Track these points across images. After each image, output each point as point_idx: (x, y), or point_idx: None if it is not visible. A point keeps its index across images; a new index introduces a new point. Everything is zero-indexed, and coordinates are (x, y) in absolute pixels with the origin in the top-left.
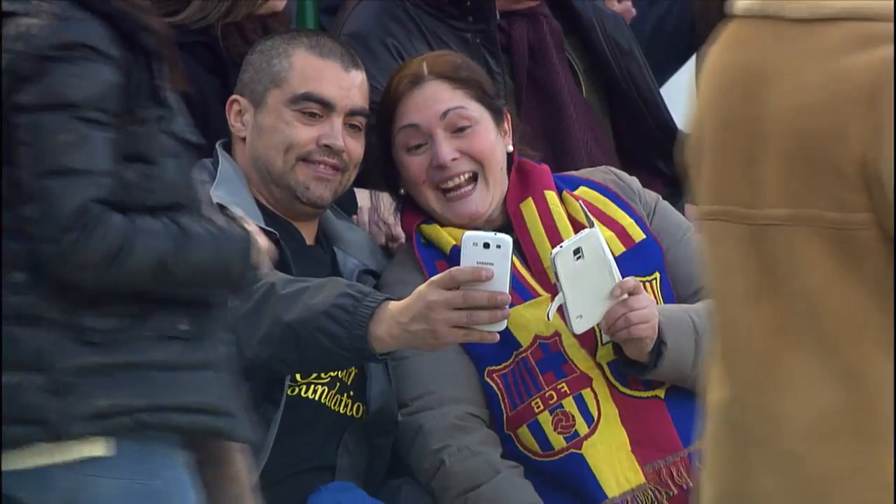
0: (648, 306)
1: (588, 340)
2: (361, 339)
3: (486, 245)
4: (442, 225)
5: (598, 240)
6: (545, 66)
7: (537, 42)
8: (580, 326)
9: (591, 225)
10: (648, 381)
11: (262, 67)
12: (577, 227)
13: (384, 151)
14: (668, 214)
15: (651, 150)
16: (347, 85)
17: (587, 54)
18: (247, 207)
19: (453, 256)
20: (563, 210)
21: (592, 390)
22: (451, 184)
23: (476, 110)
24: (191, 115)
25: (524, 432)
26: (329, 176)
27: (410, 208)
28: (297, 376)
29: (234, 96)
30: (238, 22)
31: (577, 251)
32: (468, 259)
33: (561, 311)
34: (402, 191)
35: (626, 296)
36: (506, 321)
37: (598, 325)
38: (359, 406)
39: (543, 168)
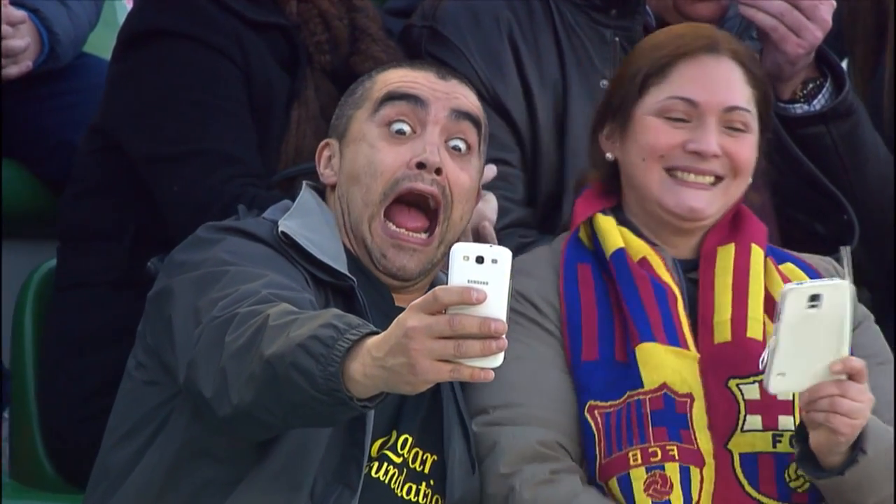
0: (864, 403)
1: (724, 421)
2: (335, 378)
3: (480, 259)
4: (627, 224)
5: (846, 298)
6: None
7: None
8: (778, 386)
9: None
10: (790, 489)
11: (345, 102)
12: (769, 304)
13: (615, 98)
14: (872, 335)
15: (805, 211)
16: (444, 89)
17: None
18: (327, 245)
19: (600, 260)
20: (763, 273)
21: (701, 474)
22: (690, 178)
23: (755, 119)
24: (252, 113)
25: (613, 485)
26: (411, 243)
27: (597, 192)
28: (373, 450)
29: (324, 140)
30: (319, 6)
31: (814, 297)
32: (457, 277)
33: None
34: (610, 155)
35: (844, 377)
36: (501, 355)
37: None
38: (437, 499)
39: (762, 227)
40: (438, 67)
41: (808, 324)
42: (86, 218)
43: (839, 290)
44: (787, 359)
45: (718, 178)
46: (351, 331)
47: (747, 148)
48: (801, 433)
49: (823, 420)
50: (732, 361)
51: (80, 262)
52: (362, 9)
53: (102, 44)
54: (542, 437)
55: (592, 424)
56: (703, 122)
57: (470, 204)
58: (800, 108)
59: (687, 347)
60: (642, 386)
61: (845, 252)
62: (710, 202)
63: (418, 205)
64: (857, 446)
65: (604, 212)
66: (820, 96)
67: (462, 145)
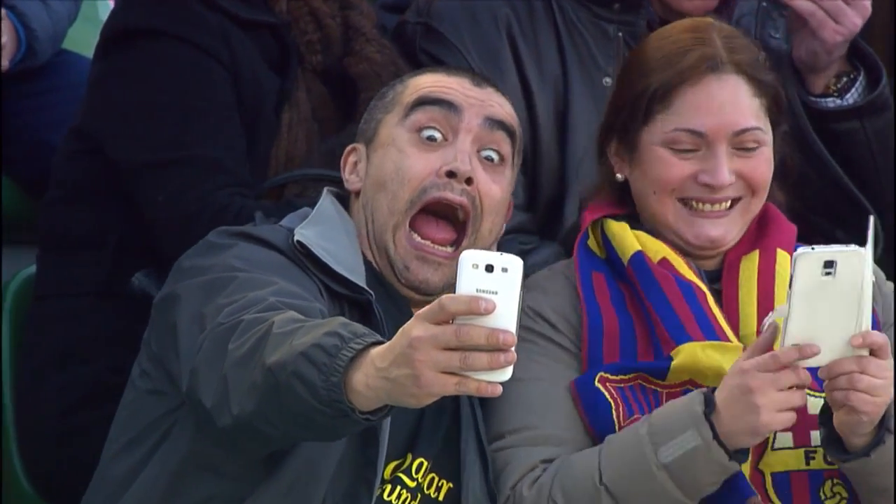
0: (886, 379)
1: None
2: (337, 389)
3: (490, 268)
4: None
5: (863, 265)
6: None
7: None
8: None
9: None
10: None
11: (375, 105)
12: None
13: (620, 116)
14: (890, 302)
15: (825, 216)
16: (478, 96)
17: None
18: (345, 256)
19: (614, 267)
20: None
21: None
22: (706, 207)
23: (767, 130)
24: (240, 115)
25: None
26: (437, 256)
27: (605, 203)
28: (386, 472)
29: (351, 145)
30: (310, 4)
31: (829, 264)
32: (466, 285)
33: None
34: (620, 176)
35: (866, 352)
36: (510, 369)
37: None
38: None
39: (791, 228)
40: (474, 74)
41: (822, 292)
42: (67, 224)
43: (855, 258)
44: (801, 329)
45: (735, 200)
46: (356, 340)
47: (762, 164)
48: (825, 415)
49: (843, 398)
50: None
51: (61, 270)
52: (356, 6)
53: (83, 40)
54: (549, 455)
55: (606, 394)
56: (712, 151)
57: (500, 217)
58: (832, 102)
59: (727, 340)
60: (663, 378)
61: (872, 221)
62: (729, 228)
63: (446, 216)
64: (883, 425)
65: (615, 218)
66: (853, 90)
67: (495, 156)
